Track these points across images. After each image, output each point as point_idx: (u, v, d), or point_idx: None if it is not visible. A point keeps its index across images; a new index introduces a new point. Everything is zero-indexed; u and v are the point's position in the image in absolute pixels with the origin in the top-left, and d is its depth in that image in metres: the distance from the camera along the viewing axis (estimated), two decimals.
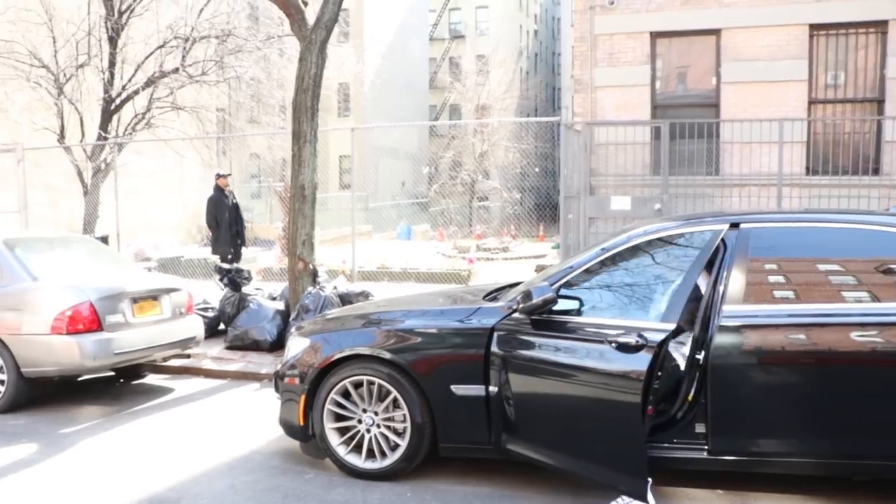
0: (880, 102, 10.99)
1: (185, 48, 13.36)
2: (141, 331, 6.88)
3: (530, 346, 4.20)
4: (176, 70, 13.36)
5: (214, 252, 11.82)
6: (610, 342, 3.85)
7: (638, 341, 3.77)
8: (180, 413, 6.49)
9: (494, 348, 4.31)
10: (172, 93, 13.87)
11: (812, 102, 11.24)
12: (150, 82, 13.38)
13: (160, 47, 13.47)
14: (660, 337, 3.76)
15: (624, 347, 3.79)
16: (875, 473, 4.17)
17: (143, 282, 7.34)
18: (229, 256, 11.41)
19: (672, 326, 3.82)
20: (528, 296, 4.12)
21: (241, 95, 17.04)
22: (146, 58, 13.50)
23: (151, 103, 13.90)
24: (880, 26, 10.93)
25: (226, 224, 11.53)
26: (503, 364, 4.26)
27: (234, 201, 11.91)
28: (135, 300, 6.90)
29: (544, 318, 4.19)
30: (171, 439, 5.70)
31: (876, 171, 10.84)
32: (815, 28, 11.12)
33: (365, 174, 29.27)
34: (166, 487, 4.67)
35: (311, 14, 8.32)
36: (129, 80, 13.53)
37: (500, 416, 4.31)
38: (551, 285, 4.19)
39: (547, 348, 4.12)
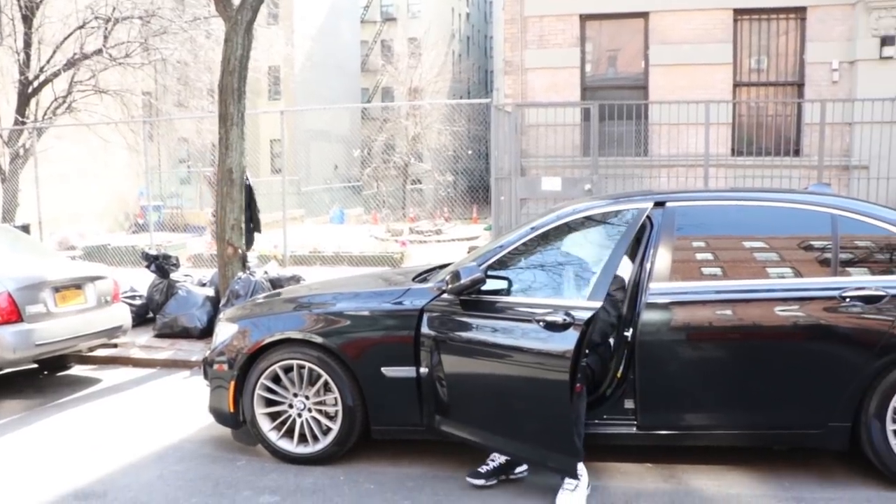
0: (800, 86, 11.33)
1: (106, 29, 12.91)
2: (64, 321, 6.67)
3: (460, 326, 4.21)
4: (98, 52, 12.94)
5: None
6: (538, 321, 3.88)
7: (565, 319, 3.81)
8: (107, 404, 6.33)
9: (424, 329, 4.31)
10: (95, 75, 13.44)
11: (737, 85, 11.53)
12: (71, 64, 12.92)
13: (80, 28, 13.00)
14: (587, 315, 3.81)
15: (552, 326, 3.83)
16: (792, 443, 4.34)
17: (66, 270, 7.10)
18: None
19: (598, 304, 3.87)
20: (456, 276, 4.12)
21: (168, 78, 16.61)
22: (65, 38, 13.02)
23: (72, 86, 13.44)
24: (800, 13, 11.26)
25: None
26: (433, 345, 4.26)
27: (248, 182, 11.20)
28: (57, 289, 6.68)
29: (473, 299, 4.20)
30: (97, 431, 5.56)
31: (797, 153, 11.19)
32: (739, 13, 11.38)
33: (296, 158, 28.91)
34: (93, 480, 4.55)
35: None
36: (48, 62, 13.03)
37: (432, 397, 4.32)
38: (480, 265, 4.20)
39: (476, 328, 4.14)
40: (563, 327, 3.80)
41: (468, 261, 4.51)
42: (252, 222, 10.76)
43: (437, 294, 4.38)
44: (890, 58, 10.75)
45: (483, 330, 4.10)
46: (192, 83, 16.86)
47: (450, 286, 4.18)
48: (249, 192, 10.80)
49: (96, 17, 13.05)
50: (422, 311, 4.35)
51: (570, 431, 3.77)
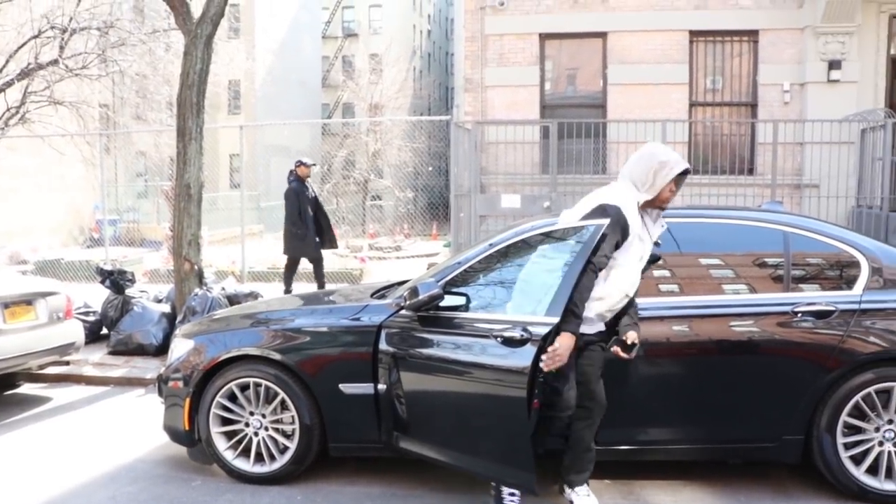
0: (753, 106, 11.60)
1: (62, 39, 12.70)
2: (13, 337, 6.49)
3: (418, 342, 4.20)
4: (54, 62, 12.69)
5: (296, 253, 10.12)
6: (495, 337, 3.88)
7: (523, 335, 3.82)
8: (58, 423, 6.17)
9: (382, 346, 4.29)
10: (50, 86, 13.18)
11: (693, 105, 11.76)
12: (25, 74, 12.65)
13: (35, 37, 12.74)
14: (544, 330, 3.82)
15: (509, 342, 3.83)
16: (747, 456, 4.40)
17: (16, 286, 6.94)
18: (319, 254, 10.21)
19: (556, 320, 3.89)
20: (414, 292, 4.11)
21: (126, 91, 16.37)
22: (19, 48, 12.76)
23: (26, 97, 13.15)
24: (752, 35, 11.55)
25: (311, 220, 9.95)
26: (391, 361, 4.24)
27: (315, 195, 10.33)
28: (6, 305, 6.51)
29: (431, 315, 4.18)
30: (47, 452, 5.42)
31: (751, 171, 11.44)
32: (694, 34, 11.63)
33: (256, 173, 28.68)
34: (42, 503, 4.43)
35: (197, 8, 8.08)
36: (0, 72, 12.77)
37: (390, 414, 4.29)
38: (438, 281, 4.20)
39: (434, 344, 4.12)
40: (520, 343, 3.80)
41: (426, 277, 4.51)
42: (322, 236, 10.14)
43: (396, 310, 4.37)
44: (837, 81, 11.07)
45: (441, 346, 4.09)
46: (150, 96, 16.64)
47: (408, 302, 4.17)
48: (317, 203, 10.27)
49: (52, 27, 12.81)
50: (380, 327, 4.34)
51: (528, 447, 3.78)
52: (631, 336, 3.91)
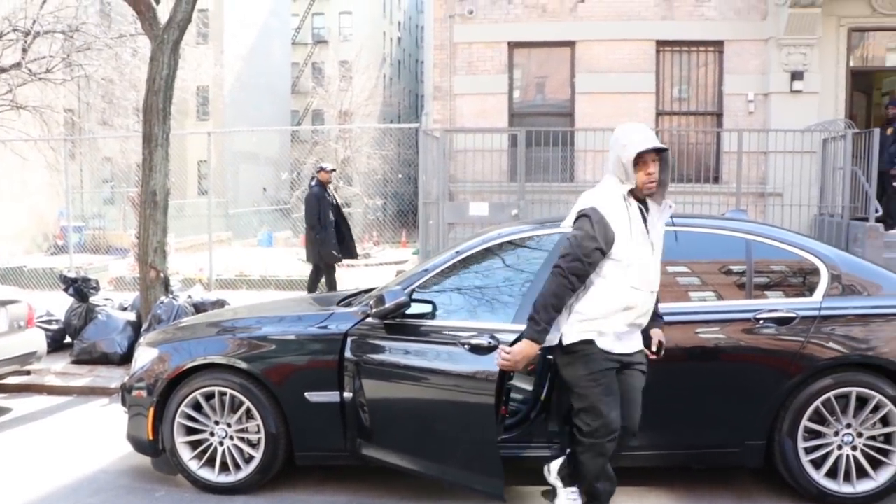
0: (719, 116, 11.76)
1: (25, 42, 12.52)
2: None
3: (384, 350, 4.19)
4: (16, 66, 12.51)
5: (317, 258, 10.00)
6: (463, 344, 3.89)
7: (490, 342, 3.83)
8: (18, 434, 6.05)
9: (348, 354, 4.28)
10: (12, 90, 12.98)
11: (660, 114, 11.88)
12: None
13: None
14: (511, 338, 3.83)
15: (476, 349, 3.85)
16: (711, 462, 4.45)
17: None
18: (338, 257, 10.06)
19: (523, 327, 3.91)
20: (381, 300, 4.11)
21: (92, 96, 16.19)
22: None
23: None
24: (718, 46, 11.71)
25: (331, 224, 9.92)
26: (357, 369, 4.23)
27: (336, 202, 10.31)
28: None
29: (398, 323, 4.19)
30: (6, 463, 5.31)
31: (717, 180, 11.58)
32: (661, 44, 11.76)
33: (225, 180, 28.49)
34: None
35: (164, 13, 8.01)
36: None
37: (356, 422, 4.28)
38: (405, 289, 4.21)
39: (400, 352, 4.11)
40: (487, 350, 3.82)
41: (393, 285, 4.51)
42: (341, 244, 10.00)
43: (362, 318, 4.36)
44: (800, 91, 11.27)
45: (408, 354, 4.09)
46: (117, 101, 16.48)
47: (374, 310, 4.16)
48: (338, 209, 10.18)
49: (14, 30, 12.63)
50: (346, 335, 4.32)
51: (496, 454, 3.79)
52: (655, 336, 3.81)
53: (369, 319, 4.30)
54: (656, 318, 3.86)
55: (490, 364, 3.74)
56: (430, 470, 4.06)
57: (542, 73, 12.30)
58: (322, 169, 10.27)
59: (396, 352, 4.13)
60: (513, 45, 11.99)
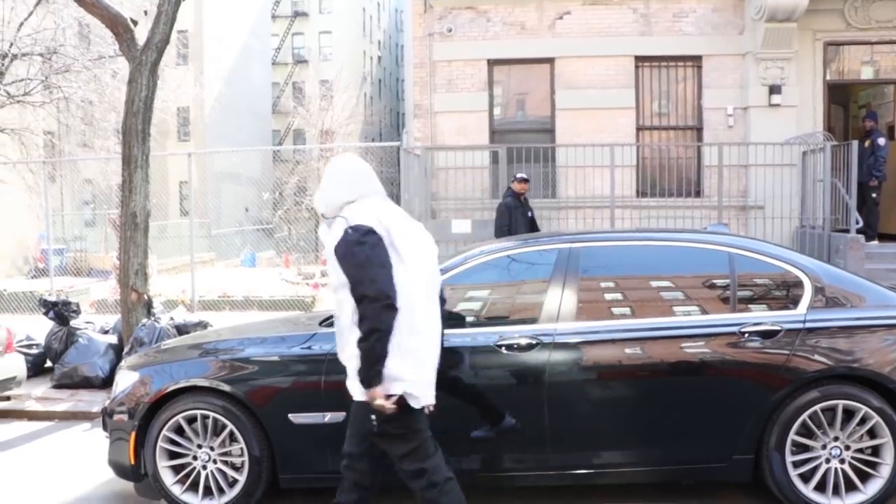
0: (699, 130, 11.86)
1: (2, 65, 12.44)
2: None
3: None
4: None
5: None
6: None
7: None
8: None
9: (335, 372, 4.23)
10: None
11: (640, 129, 11.97)
12: None
13: None
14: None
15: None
16: (700, 477, 4.43)
17: None
18: None
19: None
20: None
21: (71, 118, 16.08)
22: None
23: None
24: (696, 60, 11.83)
25: None
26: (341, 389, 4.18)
27: (532, 215, 9.72)
28: None
29: None
30: None
31: (698, 194, 11.65)
32: (640, 60, 11.86)
33: (206, 200, 28.34)
34: None
35: (143, 33, 7.99)
36: None
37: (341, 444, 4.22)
38: None
39: None
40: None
41: None
42: None
43: None
44: (778, 105, 11.39)
45: None
46: (97, 123, 16.38)
47: None
48: (533, 224, 9.42)
49: None
50: (330, 355, 4.28)
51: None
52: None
53: None
54: None
55: None
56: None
57: (523, 89, 12.36)
58: (515, 178, 9.69)
59: None
60: (492, 63, 12.05)
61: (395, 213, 3.47)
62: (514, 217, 9.39)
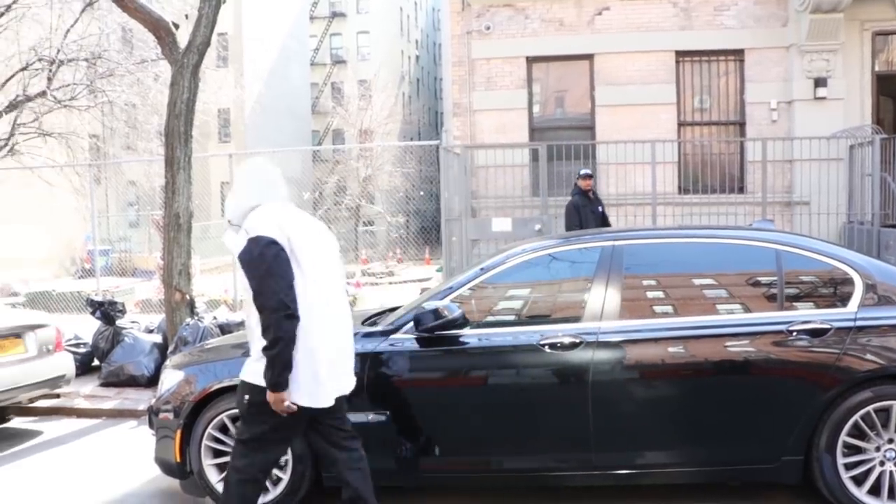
0: (742, 125, 11.66)
1: (50, 71, 12.70)
2: (2, 371, 6.41)
3: (423, 366, 4.24)
4: (42, 94, 12.69)
5: None
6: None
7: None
8: (49, 457, 6.09)
9: (378, 371, 4.25)
10: (38, 118, 13.17)
11: (681, 125, 11.81)
12: (13, 107, 12.63)
13: (23, 69, 12.75)
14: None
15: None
16: (747, 478, 4.34)
17: (4, 319, 6.88)
18: None
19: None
20: (420, 319, 4.16)
21: (115, 121, 16.35)
22: (6, 80, 12.76)
23: (15, 129, 13.14)
24: (738, 54, 11.63)
25: None
26: (389, 387, 4.20)
27: (602, 210, 9.56)
28: None
29: (435, 336, 4.20)
30: (37, 487, 5.33)
31: (741, 190, 11.46)
32: (680, 55, 11.70)
33: None
34: None
35: (184, 37, 8.09)
36: None
37: (393, 442, 4.25)
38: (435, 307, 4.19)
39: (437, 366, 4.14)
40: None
41: (421, 301, 4.48)
42: None
43: (387, 335, 4.33)
44: (824, 98, 11.15)
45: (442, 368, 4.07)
46: (140, 126, 16.64)
47: (426, 324, 4.18)
48: (604, 219, 9.20)
49: (40, 59, 12.82)
50: (372, 353, 4.29)
51: None
52: None
53: (397, 335, 4.30)
54: None
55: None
56: None
57: (562, 86, 12.28)
58: (580, 175, 9.51)
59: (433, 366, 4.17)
60: (531, 60, 11.98)
61: (295, 218, 3.64)
62: (584, 215, 9.23)
